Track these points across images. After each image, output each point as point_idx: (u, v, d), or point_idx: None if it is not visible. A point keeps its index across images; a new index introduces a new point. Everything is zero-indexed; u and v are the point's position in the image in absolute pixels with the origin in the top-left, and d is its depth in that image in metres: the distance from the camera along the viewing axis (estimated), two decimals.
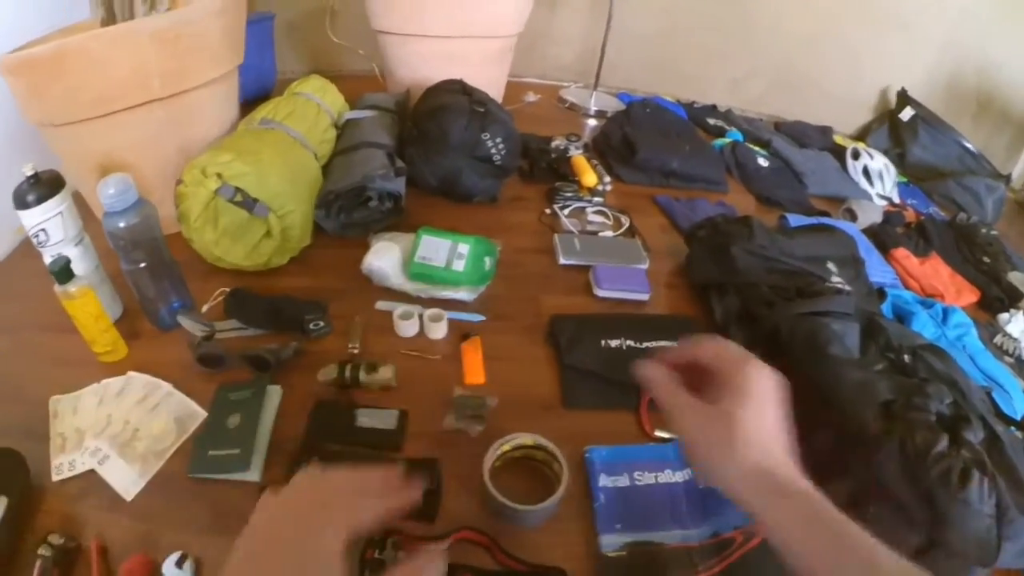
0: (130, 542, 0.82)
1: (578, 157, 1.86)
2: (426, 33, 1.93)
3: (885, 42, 2.78)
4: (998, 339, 1.48)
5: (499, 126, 1.59)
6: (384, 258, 1.26)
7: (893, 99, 2.80)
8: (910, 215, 2.07)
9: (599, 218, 1.65)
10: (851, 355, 1.04)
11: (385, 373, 1.04)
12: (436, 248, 1.30)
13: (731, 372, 0.64)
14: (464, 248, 1.31)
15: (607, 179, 1.81)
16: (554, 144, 1.94)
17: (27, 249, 1.44)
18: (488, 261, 1.33)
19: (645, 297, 1.36)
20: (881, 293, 1.44)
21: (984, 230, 1.94)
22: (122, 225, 1.04)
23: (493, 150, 1.57)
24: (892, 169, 2.29)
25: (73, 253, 1.08)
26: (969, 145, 2.61)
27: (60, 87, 1.18)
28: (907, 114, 2.70)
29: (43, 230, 1.06)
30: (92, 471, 0.91)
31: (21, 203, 1.03)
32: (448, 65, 1.87)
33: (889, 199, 2.21)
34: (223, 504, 0.88)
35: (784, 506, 0.58)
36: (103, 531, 0.83)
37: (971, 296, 1.66)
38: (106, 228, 1.05)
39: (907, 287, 1.62)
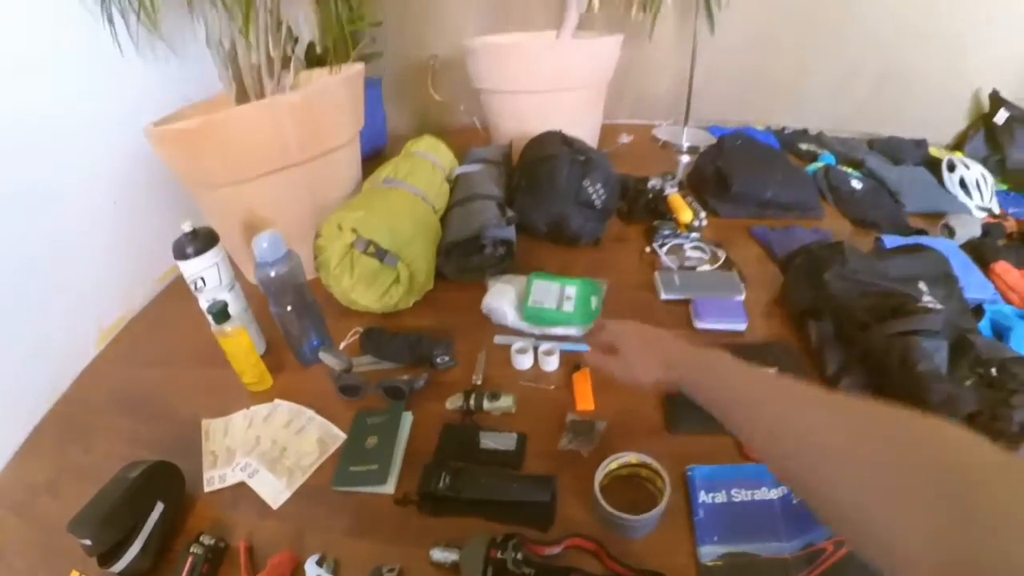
0: (276, 543, 0.93)
1: (674, 195, 1.91)
2: (525, 89, 2.05)
3: (974, 40, 2.65)
4: None
5: (599, 172, 1.68)
6: (501, 299, 1.37)
7: (987, 103, 2.66)
8: (1011, 225, 1.99)
9: (696, 253, 1.70)
10: (940, 371, 1.07)
11: (506, 401, 1.13)
12: (547, 291, 1.39)
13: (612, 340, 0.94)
14: (572, 290, 1.39)
15: (702, 214, 1.85)
16: (651, 184, 2.00)
17: (170, 294, 1.68)
18: (594, 300, 1.41)
19: (743, 327, 1.40)
20: (979, 309, 1.44)
21: None
22: (273, 274, 1.19)
23: (594, 195, 1.66)
24: (990, 178, 2.19)
25: (227, 297, 1.24)
26: None
27: (210, 155, 1.35)
28: (1002, 116, 2.57)
29: (201, 278, 1.22)
30: (242, 483, 1.04)
31: (181, 254, 1.20)
32: (546, 115, 1.99)
33: (989, 210, 2.11)
34: (362, 512, 0.98)
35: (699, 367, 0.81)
36: (251, 533, 0.95)
37: None
38: (258, 276, 1.20)
39: (1007, 301, 1.58)
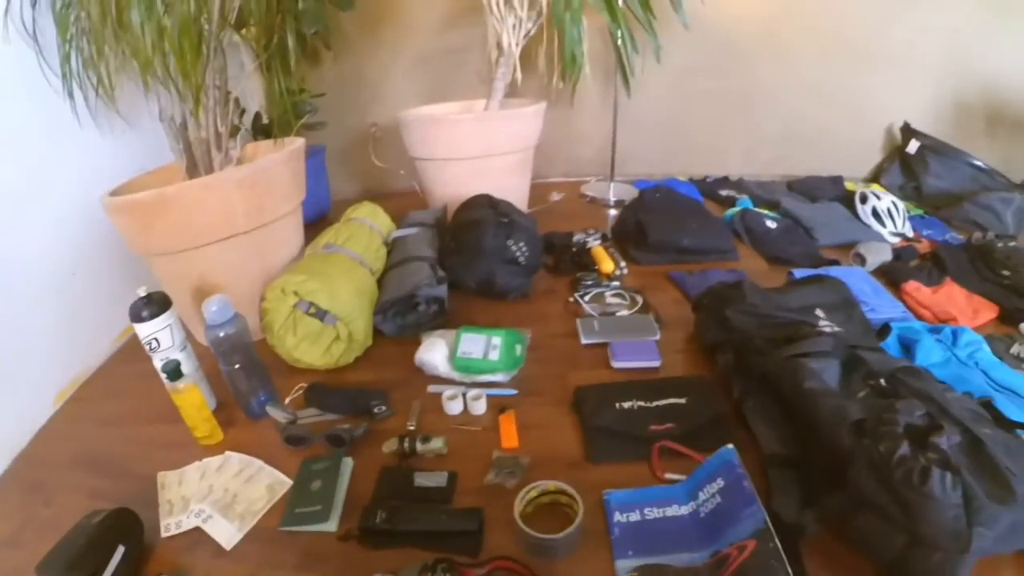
0: None
1: (597, 248, 2.08)
2: (455, 157, 2.21)
3: (881, 80, 2.87)
4: (1015, 349, 1.55)
5: (521, 232, 1.85)
6: (432, 352, 1.49)
7: (899, 136, 2.86)
8: (924, 246, 2.15)
9: (617, 299, 1.85)
10: (828, 387, 1.17)
11: (436, 443, 1.25)
12: (474, 343, 1.52)
13: None
14: (497, 340, 1.52)
15: (623, 264, 2.01)
16: (575, 238, 2.16)
17: (124, 355, 1.77)
18: (519, 348, 1.54)
19: (656, 364, 1.53)
20: (886, 328, 1.57)
21: (1001, 244, 1.99)
22: (222, 335, 1.31)
23: (518, 253, 1.82)
24: (901, 205, 2.35)
25: (179, 357, 1.34)
26: (979, 163, 2.64)
27: (163, 224, 1.47)
28: (913, 147, 2.75)
29: (155, 339, 1.33)
30: (197, 528, 1.13)
31: (137, 317, 1.31)
32: (477, 179, 2.15)
33: (903, 235, 2.27)
34: (309, 549, 1.08)
35: None
36: (207, 573, 1.05)
37: (989, 313, 1.74)
38: (208, 337, 1.32)
39: (919, 317, 1.72)
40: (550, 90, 2.47)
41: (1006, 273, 1.87)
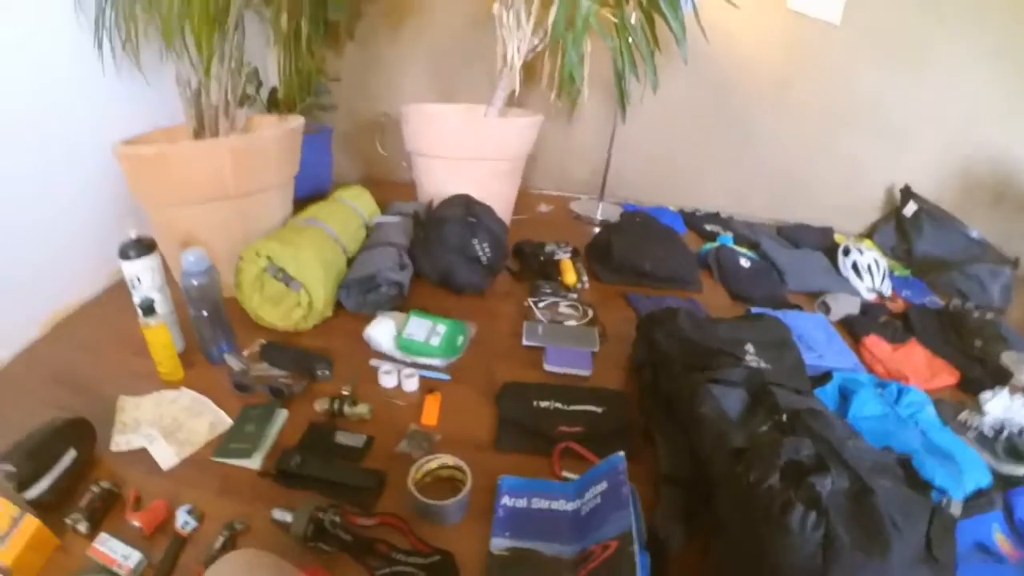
0: (159, 495, 1.19)
1: (565, 260, 2.22)
2: (445, 155, 2.34)
3: (888, 142, 2.92)
4: (963, 416, 1.57)
5: (486, 233, 2.01)
6: (378, 329, 1.66)
7: (899, 196, 2.90)
8: (897, 306, 2.21)
9: (569, 310, 1.98)
10: (722, 414, 1.23)
11: (362, 409, 1.42)
12: (420, 326, 1.67)
13: None
14: (442, 328, 1.68)
15: (584, 279, 2.15)
16: (547, 248, 2.31)
17: (113, 293, 1.92)
18: (461, 338, 1.69)
19: (586, 373, 1.65)
20: (827, 375, 1.64)
21: (977, 314, 2.03)
22: (195, 283, 1.48)
23: (480, 252, 1.98)
24: (883, 263, 2.39)
25: (156, 297, 1.51)
26: (973, 234, 2.67)
27: (161, 178, 1.65)
28: (910, 209, 2.80)
29: (137, 277, 1.51)
30: (143, 449, 1.29)
31: (124, 255, 1.49)
32: (464, 180, 2.28)
33: (879, 292, 2.32)
34: (231, 479, 1.25)
35: None
36: (141, 486, 1.21)
37: (949, 378, 1.78)
38: (182, 284, 1.49)
39: (872, 371, 1.77)
40: (552, 106, 2.59)
41: (977, 343, 1.90)
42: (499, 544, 1.11)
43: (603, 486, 1.14)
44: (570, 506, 1.19)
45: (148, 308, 1.43)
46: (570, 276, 2.13)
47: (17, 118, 1.60)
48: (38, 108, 1.66)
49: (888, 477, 1.04)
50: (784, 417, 1.17)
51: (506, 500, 1.20)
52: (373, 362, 1.61)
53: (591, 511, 1.13)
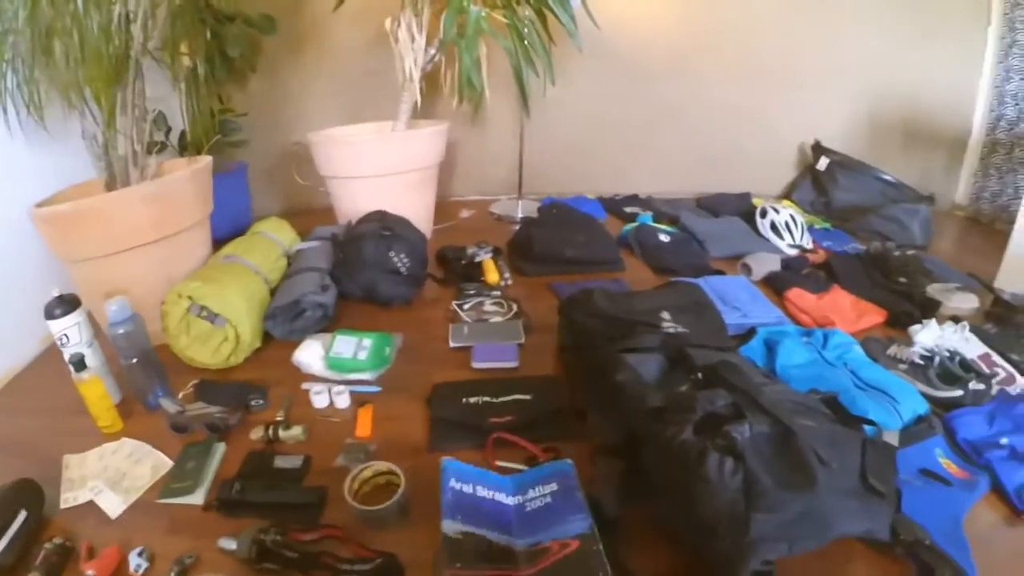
0: (111, 542, 1.22)
1: (487, 260, 2.31)
2: (359, 175, 2.41)
3: (795, 100, 3.05)
4: (891, 350, 1.65)
5: (402, 244, 2.08)
6: (306, 352, 1.73)
7: (811, 154, 3.04)
8: (818, 257, 2.32)
9: (494, 308, 2.06)
10: (640, 379, 1.29)
11: (296, 431, 1.48)
12: (346, 344, 1.73)
13: None
14: (368, 342, 1.74)
15: (507, 275, 2.24)
16: (469, 252, 2.38)
17: (50, 355, 1.95)
18: (388, 349, 1.76)
19: (514, 364, 1.73)
20: (751, 331, 1.74)
21: (898, 252, 2.15)
22: (120, 331, 1.53)
23: (399, 264, 2.06)
24: (799, 219, 2.51)
25: (87, 352, 1.55)
26: (888, 177, 2.82)
27: (79, 234, 1.69)
28: (823, 163, 2.95)
29: (65, 335, 1.54)
30: (90, 502, 1.34)
31: (50, 315, 1.52)
32: (379, 196, 2.35)
33: (800, 247, 2.44)
34: (177, 518, 1.30)
35: None
36: (93, 537, 1.25)
37: (876, 317, 1.88)
38: (109, 334, 1.54)
39: (799, 323, 1.87)
40: (459, 112, 2.66)
41: (902, 280, 2.02)
42: (451, 527, 1.09)
43: (552, 487, 1.19)
44: (511, 500, 1.20)
45: (79, 363, 1.48)
46: (492, 275, 2.22)
47: None
48: None
49: (811, 417, 1.08)
50: (700, 375, 1.23)
51: (453, 483, 1.20)
52: (304, 385, 1.67)
53: (540, 509, 1.15)
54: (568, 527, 1.07)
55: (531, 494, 1.19)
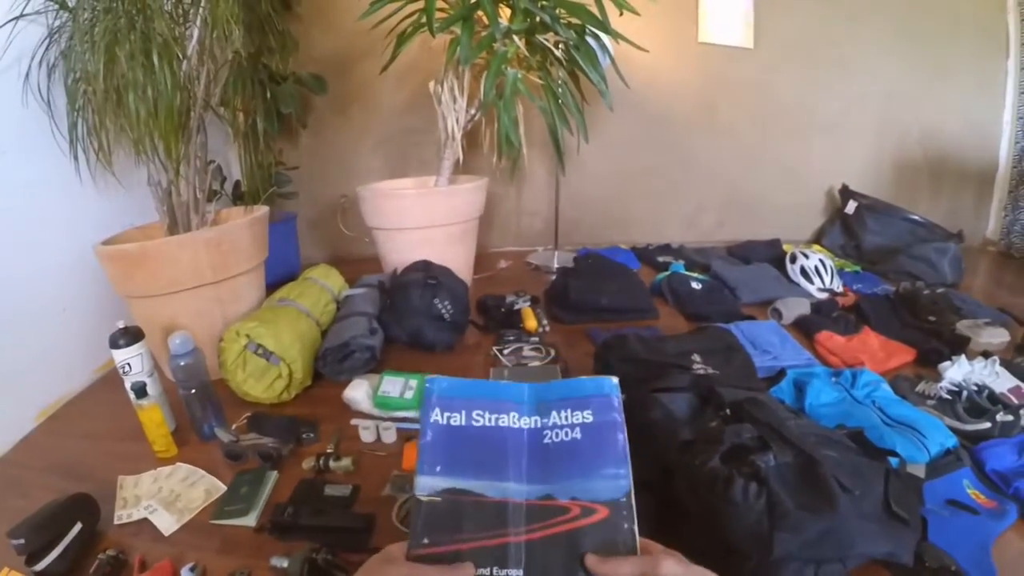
0: (163, 559, 1.27)
1: (526, 308, 2.38)
2: (403, 226, 2.51)
3: (820, 147, 3.11)
4: (920, 387, 1.66)
5: (446, 292, 2.17)
6: (357, 391, 1.79)
7: (839, 198, 3.08)
8: (847, 299, 2.34)
9: (533, 352, 2.11)
10: (672, 415, 1.35)
11: (345, 462, 1.53)
12: (393, 384, 1.80)
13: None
14: (414, 383, 1.80)
15: (545, 322, 2.31)
16: (508, 300, 2.46)
17: (103, 384, 2.06)
18: None
19: None
20: (781, 372, 1.74)
21: (927, 291, 2.16)
22: (182, 363, 1.61)
23: (443, 311, 2.13)
24: (829, 263, 2.53)
25: (147, 381, 1.63)
26: (915, 217, 2.83)
27: (143, 272, 1.78)
28: (851, 207, 2.98)
29: (128, 364, 1.63)
30: (144, 519, 1.40)
31: (114, 344, 1.61)
32: (423, 247, 2.45)
33: (831, 290, 2.46)
34: (230, 538, 1.35)
35: None
36: (146, 552, 1.30)
37: (905, 356, 1.90)
38: (171, 365, 1.62)
39: (828, 364, 1.88)
40: (497, 168, 2.76)
41: (932, 319, 2.03)
42: (427, 485, 0.75)
43: (587, 416, 0.80)
44: (524, 423, 0.81)
45: (140, 390, 1.56)
46: (531, 322, 2.29)
47: (5, 229, 1.76)
48: (24, 219, 1.83)
49: (835, 448, 1.12)
50: (728, 411, 1.27)
51: (435, 415, 0.81)
52: (353, 421, 1.73)
53: (564, 445, 0.78)
54: (597, 484, 0.75)
55: (555, 420, 0.81)
